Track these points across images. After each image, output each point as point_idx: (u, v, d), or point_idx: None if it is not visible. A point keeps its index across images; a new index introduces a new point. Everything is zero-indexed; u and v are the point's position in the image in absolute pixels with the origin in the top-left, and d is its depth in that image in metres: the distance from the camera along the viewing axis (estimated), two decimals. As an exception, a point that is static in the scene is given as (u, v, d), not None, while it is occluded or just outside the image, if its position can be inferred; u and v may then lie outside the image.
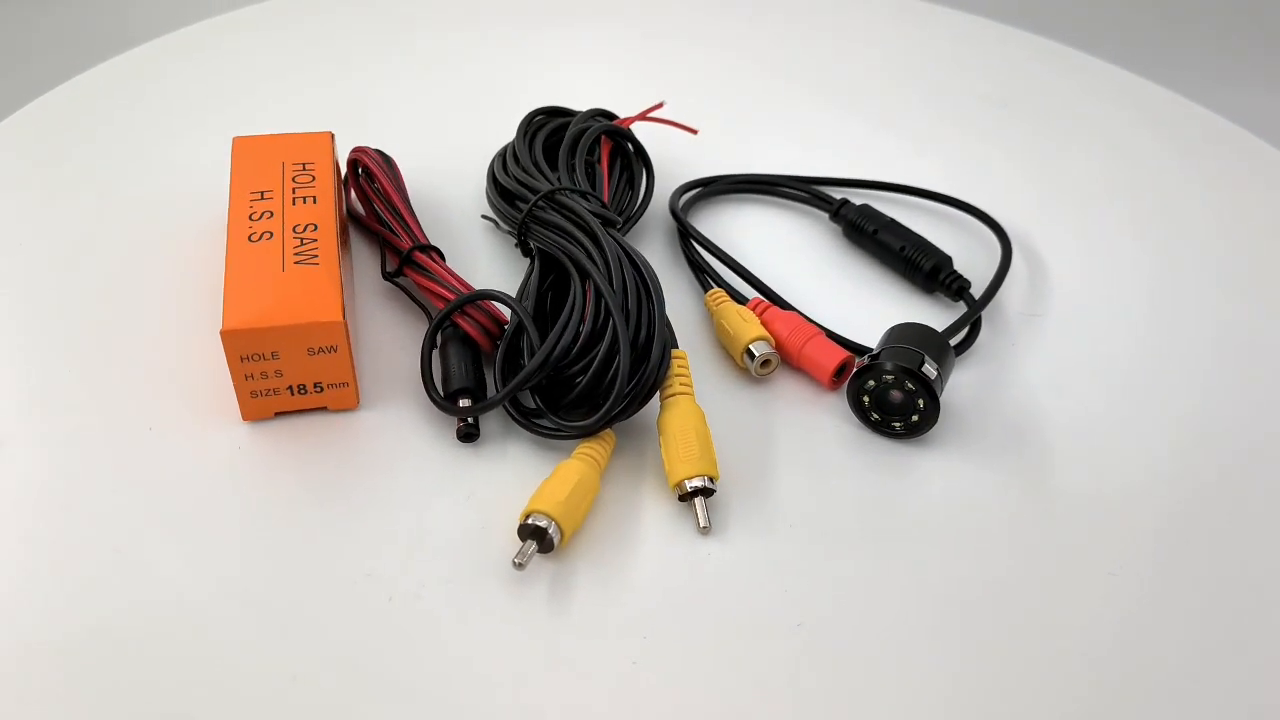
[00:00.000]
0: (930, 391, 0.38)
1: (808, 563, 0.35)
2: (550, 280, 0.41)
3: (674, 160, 0.51)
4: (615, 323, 0.37)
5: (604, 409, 0.36)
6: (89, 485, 0.36)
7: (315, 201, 0.41)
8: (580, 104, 0.50)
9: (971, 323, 0.44)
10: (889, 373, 0.38)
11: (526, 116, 0.48)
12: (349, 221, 0.47)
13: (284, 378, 0.37)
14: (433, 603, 0.33)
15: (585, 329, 0.37)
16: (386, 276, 0.44)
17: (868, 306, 0.45)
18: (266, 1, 0.64)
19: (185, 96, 0.56)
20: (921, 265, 0.46)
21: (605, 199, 0.45)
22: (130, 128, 0.54)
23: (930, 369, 0.38)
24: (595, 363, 0.37)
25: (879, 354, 0.39)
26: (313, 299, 0.37)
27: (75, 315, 0.42)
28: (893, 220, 0.47)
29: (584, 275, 0.39)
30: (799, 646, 0.33)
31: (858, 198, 0.50)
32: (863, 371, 0.39)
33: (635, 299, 0.38)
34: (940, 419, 0.40)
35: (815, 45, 0.64)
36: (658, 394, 0.38)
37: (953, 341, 0.42)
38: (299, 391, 0.38)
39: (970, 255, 0.48)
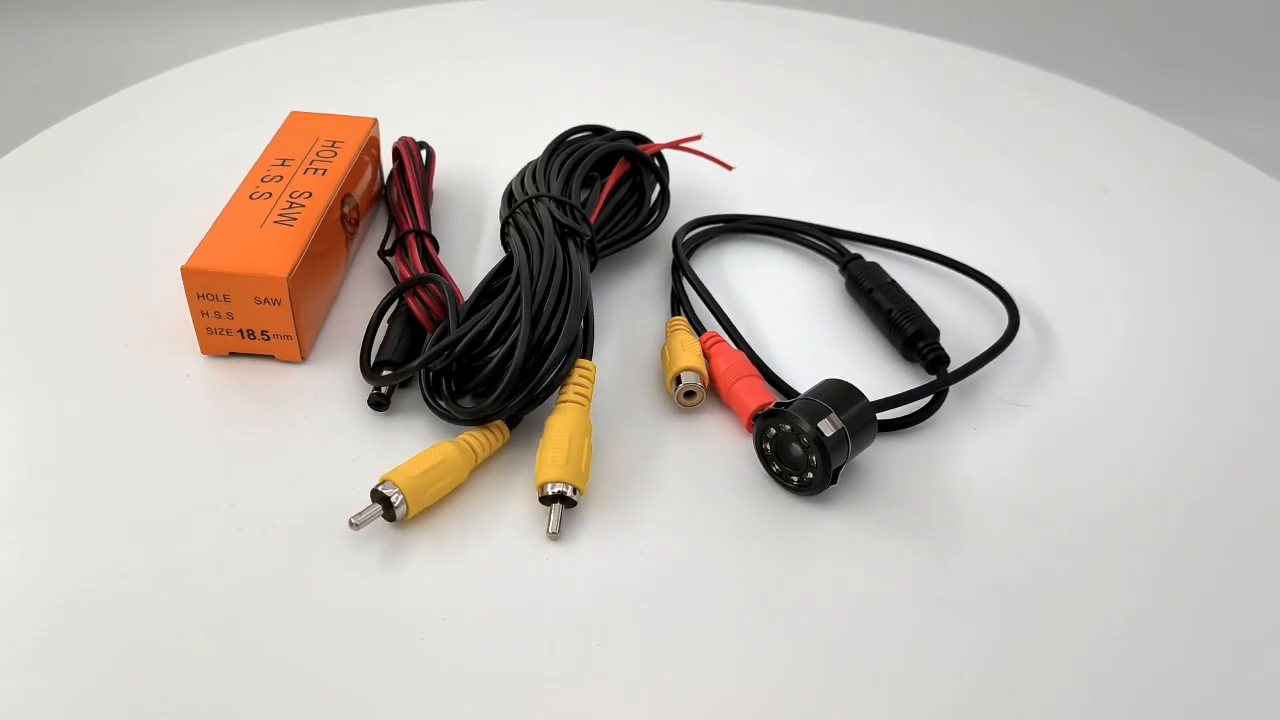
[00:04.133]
0: (822, 450, 0.36)
1: (638, 589, 0.35)
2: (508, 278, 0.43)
3: (712, 193, 0.52)
4: (521, 322, 0.38)
5: (488, 401, 0.38)
6: (53, 378, 0.41)
7: (324, 174, 0.45)
8: (644, 130, 0.51)
9: (934, 396, 0.41)
10: (785, 422, 0.37)
11: (563, 133, 0.50)
12: (377, 201, 0.51)
13: (235, 320, 0.41)
14: (274, 542, 0.35)
15: (499, 323, 0.39)
16: (380, 254, 0.47)
17: (847, 363, 0.44)
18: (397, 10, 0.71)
19: (290, 87, 0.63)
20: (904, 330, 0.43)
21: (594, 215, 0.46)
22: (212, 112, 0.59)
23: (828, 427, 0.36)
24: (496, 357, 0.38)
25: (790, 403, 0.38)
26: (270, 255, 0.40)
27: (99, 253, 0.48)
28: (893, 281, 0.45)
29: (519, 275, 0.40)
30: (584, 662, 0.32)
31: (887, 257, 0.48)
32: (766, 416, 0.38)
33: (552, 304, 0.39)
34: (854, 485, 0.38)
35: (892, 104, 0.62)
36: (555, 398, 0.39)
37: (891, 414, 0.40)
38: (248, 336, 0.41)
39: (987, 333, 0.45)
